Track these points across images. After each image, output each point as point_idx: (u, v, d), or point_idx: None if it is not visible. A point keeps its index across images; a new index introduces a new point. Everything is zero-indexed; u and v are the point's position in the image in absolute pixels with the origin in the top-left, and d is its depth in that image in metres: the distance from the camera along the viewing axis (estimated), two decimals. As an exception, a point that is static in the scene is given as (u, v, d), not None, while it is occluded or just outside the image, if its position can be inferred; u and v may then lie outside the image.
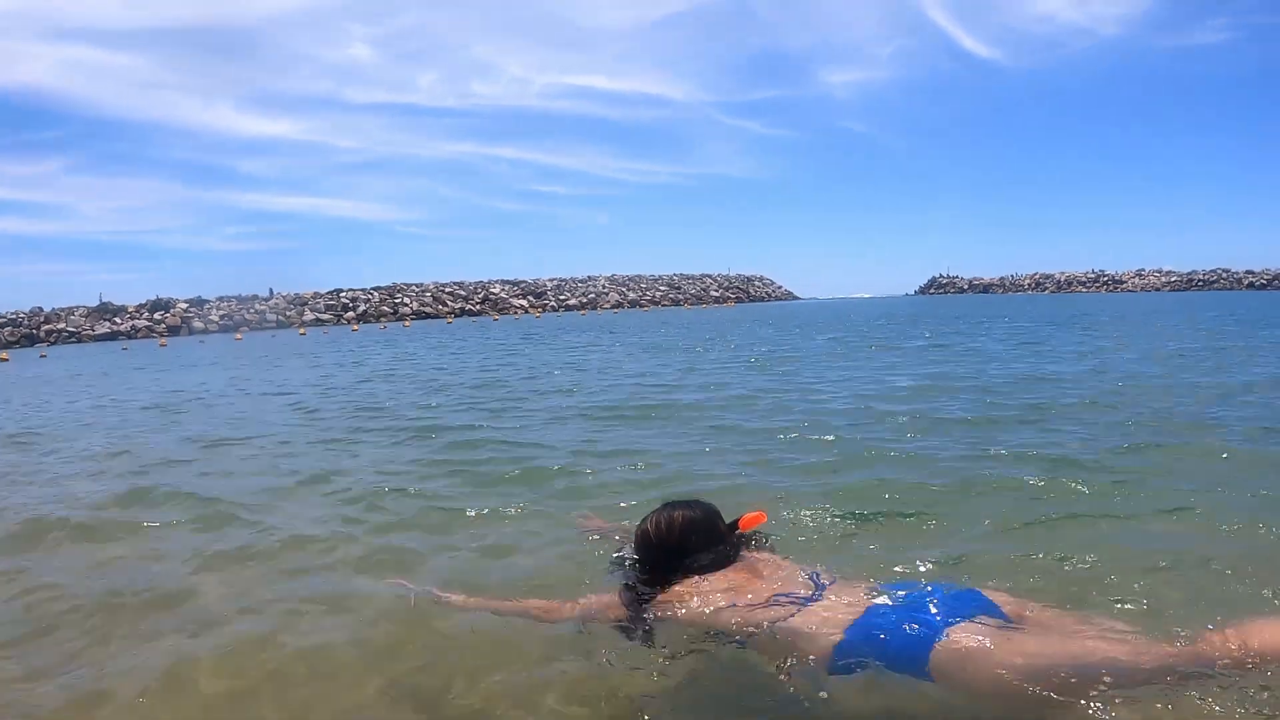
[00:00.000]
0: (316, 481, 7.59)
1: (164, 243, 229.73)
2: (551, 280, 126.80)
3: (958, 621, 2.78)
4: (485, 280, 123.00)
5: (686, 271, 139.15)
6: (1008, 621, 2.86)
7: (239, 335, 78.26)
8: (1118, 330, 26.21)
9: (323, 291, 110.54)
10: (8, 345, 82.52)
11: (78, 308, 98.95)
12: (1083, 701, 2.50)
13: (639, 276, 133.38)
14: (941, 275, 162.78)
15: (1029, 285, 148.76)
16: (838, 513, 5.43)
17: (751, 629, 3.11)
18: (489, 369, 19.79)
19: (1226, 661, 2.47)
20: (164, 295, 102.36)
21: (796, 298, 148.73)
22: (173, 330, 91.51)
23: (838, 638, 2.90)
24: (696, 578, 3.44)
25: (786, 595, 3.17)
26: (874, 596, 3.07)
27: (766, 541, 3.84)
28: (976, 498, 5.88)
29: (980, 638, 2.71)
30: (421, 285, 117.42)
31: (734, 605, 3.22)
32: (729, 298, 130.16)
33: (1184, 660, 2.54)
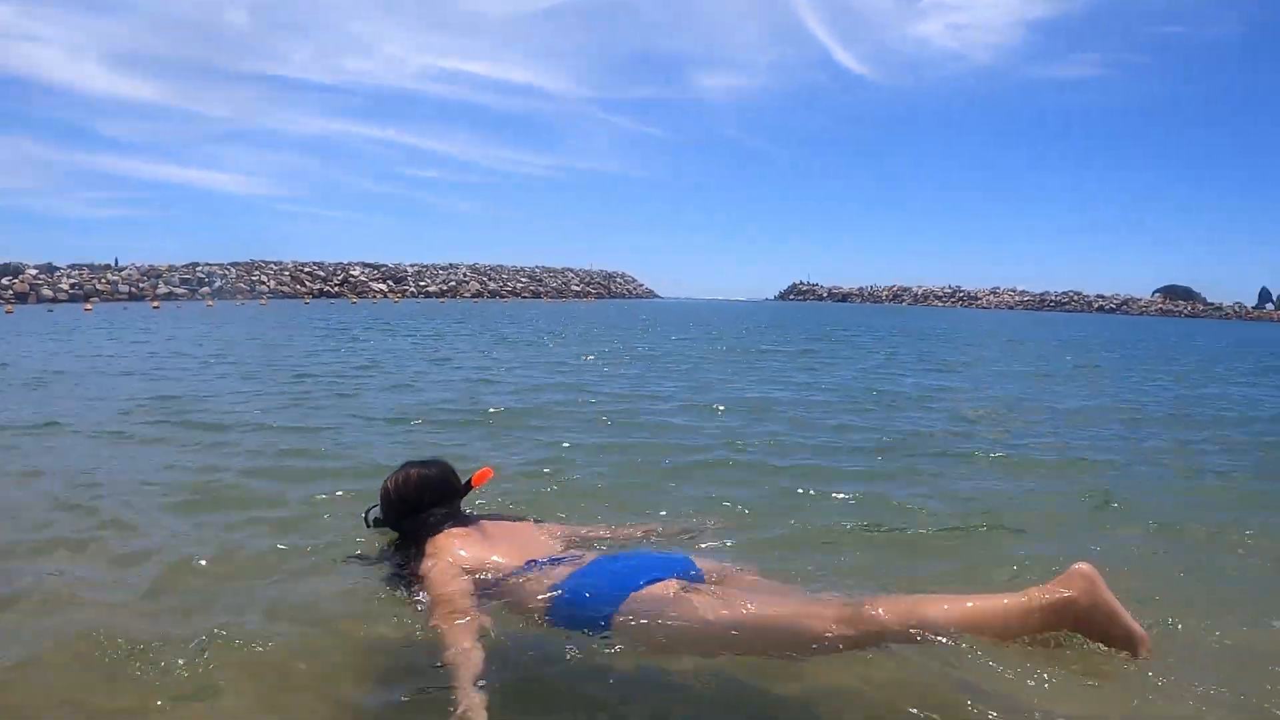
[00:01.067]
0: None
1: (17, 205, 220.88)
2: (413, 265, 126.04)
3: (647, 580, 3.17)
4: (345, 262, 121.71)
5: (549, 265, 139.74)
6: (700, 584, 3.25)
7: (89, 306, 77.05)
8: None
9: (179, 264, 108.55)
10: None
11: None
12: (766, 658, 2.93)
13: (501, 267, 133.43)
14: (802, 282, 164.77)
15: (887, 297, 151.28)
16: (602, 485, 6.14)
17: (487, 581, 3.49)
18: (318, 357, 18.96)
19: (899, 631, 2.82)
20: (13, 260, 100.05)
21: (658, 296, 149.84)
22: (20, 297, 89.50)
23: (554, 594, 3.27)
24: (434, 540, 3.74)
25: (516, 556, 3.60)
26: (586, 560, 3.51)
27: (504, 505, 4.45)
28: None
29: (661, 594, 3.09)
30: (280, 264, 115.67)
31: (470, 562, 3.57)
32: (590, 293, 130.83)
33: (861, 627, 2.85)
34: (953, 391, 13.78)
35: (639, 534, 4.47)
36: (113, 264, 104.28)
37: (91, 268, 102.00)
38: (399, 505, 4.07)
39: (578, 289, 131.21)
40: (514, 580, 3.46)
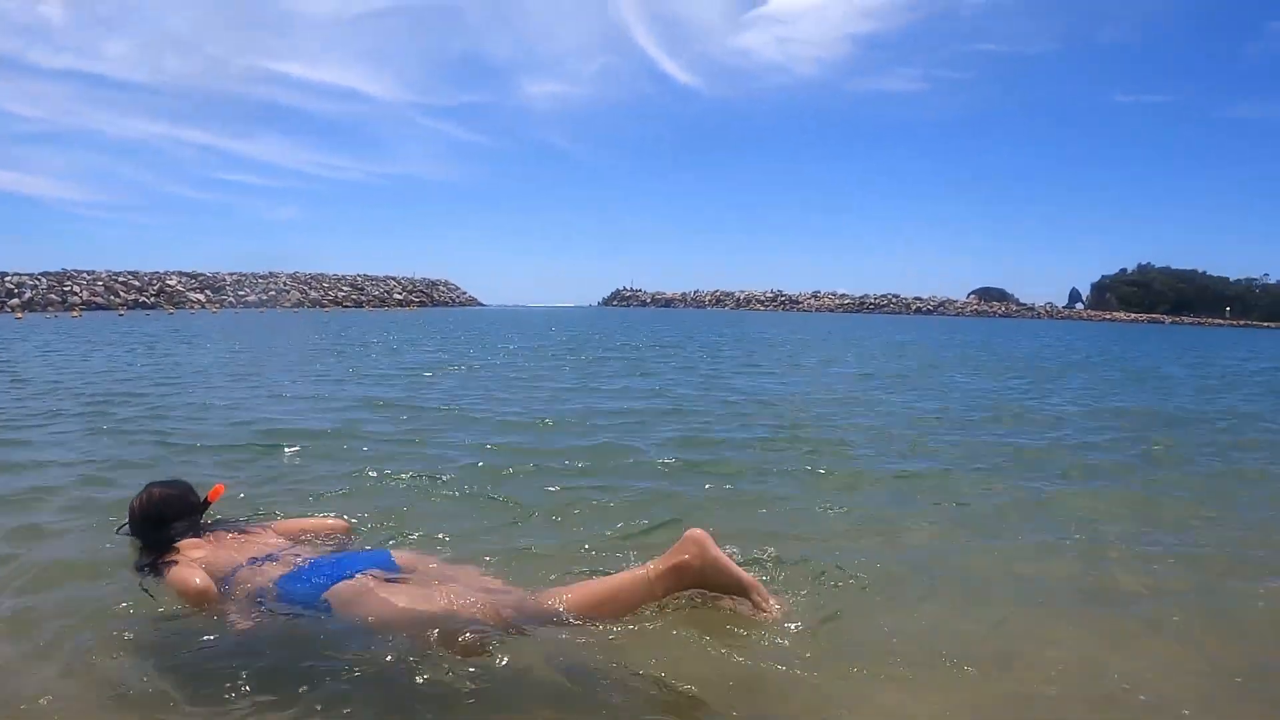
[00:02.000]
0: None
1: None
2: (231, 275, 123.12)
3: (350, 574, 3.71)
4: (161, 271, 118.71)
5: (371, 273, 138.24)
6: (395, 573, 3.81)
7: None
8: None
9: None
10: None
11: None
12: (443, 634, 3.37)
13: (322, 275, 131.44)
14: (625, 288, 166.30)
15: (710, 302, 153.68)
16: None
17: (231, 586, 3.91)
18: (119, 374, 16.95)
19: (533, 619, 3.46)
20: None
21: (482, 304, 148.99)
22: None
23: (268, 586, 3.80)
24: (179, 544, 4.23)
25: (253, 559, 4.05)
26: (304, 557, 4.06)
27: (242, 519, 4.90)
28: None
29: (362, 585, 3.63)
30: (94, 273, 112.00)
31: (206, 564, 4.04)
32: (412, 301, 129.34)
33: (521, 613, 3.50)
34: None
35: (328, 524, 4.98)
36: None
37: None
38: (143, 522, 4.50)
39: (400, 297, 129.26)
40: (242, 573, 3.94)
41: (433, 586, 3.71)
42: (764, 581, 3.85)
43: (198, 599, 3.89)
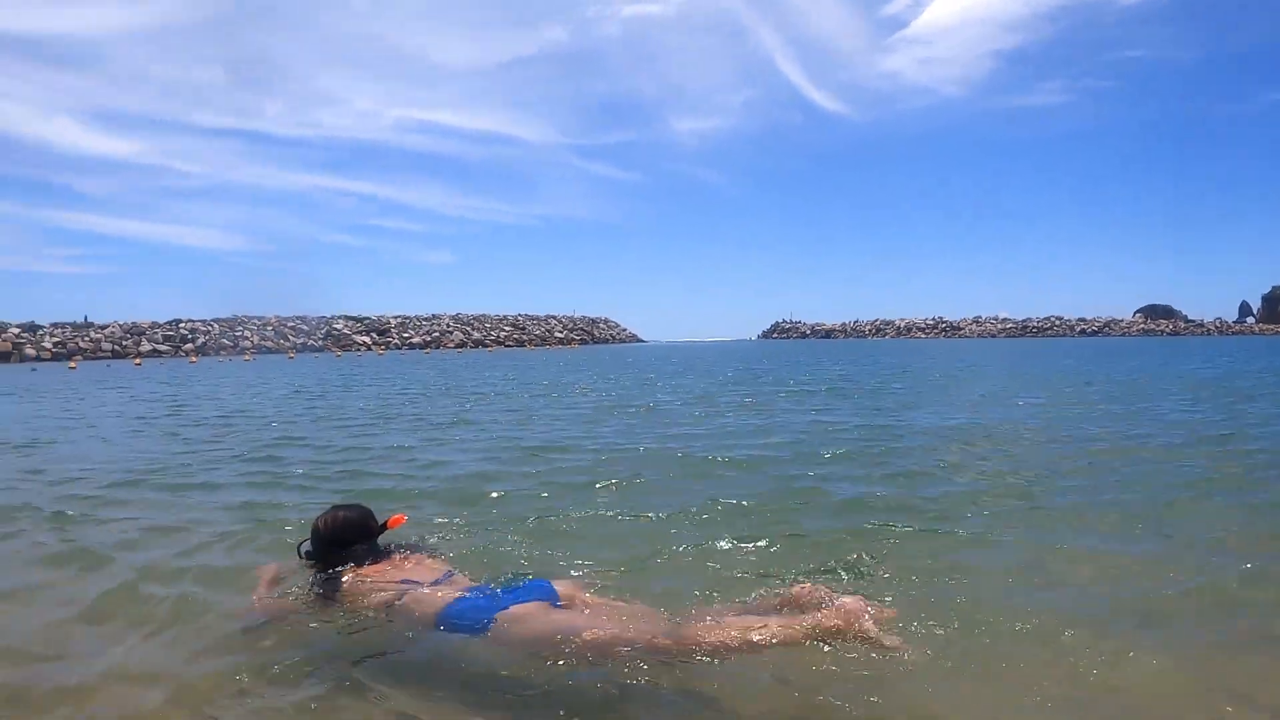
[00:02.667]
0: None
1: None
2: (396, 317, 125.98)
3: (516, 602, 3.93)
4: (328, 315, 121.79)
5: (531, 312, 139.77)
6: (556, 605, 4.03)
7: (73, 364, 77.15)
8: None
9: (160, 321, 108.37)
10: None
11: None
12: (603, 659, 3.64)
13: (484, 316, 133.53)
14: (785, 320, 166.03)
15: (870, 331, 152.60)
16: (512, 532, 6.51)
17: (390, 601, 4.23)
18: (288, 417, 17.46)
19: (704, 648, 3.55)
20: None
21: (642, 340, 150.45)
22: (3, 356, 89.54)
23: (439, 608, 4.04)
24: (354, 566, 4.52)
25: (414, 581, 4.30)
26: (469, 584, 4.34)
27: (414, 540, 5.34)
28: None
29: (527, 612, 3.87)
30: (263, 318, 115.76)
31: (380, 586, 4.32)
32: (574, 339, 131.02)
33: (671, 639, 3.62)
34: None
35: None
36: (82, 320, 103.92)
37: (74, 326, 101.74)
38: (327, 541, 4.67)
39: (561, 336, 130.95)
40: (412, 595, 4.18)
41: (589, 614, 3.95)
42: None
43: (368, 608, 4.26)
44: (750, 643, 3.55)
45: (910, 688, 3.64)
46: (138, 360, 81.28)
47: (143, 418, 17.73)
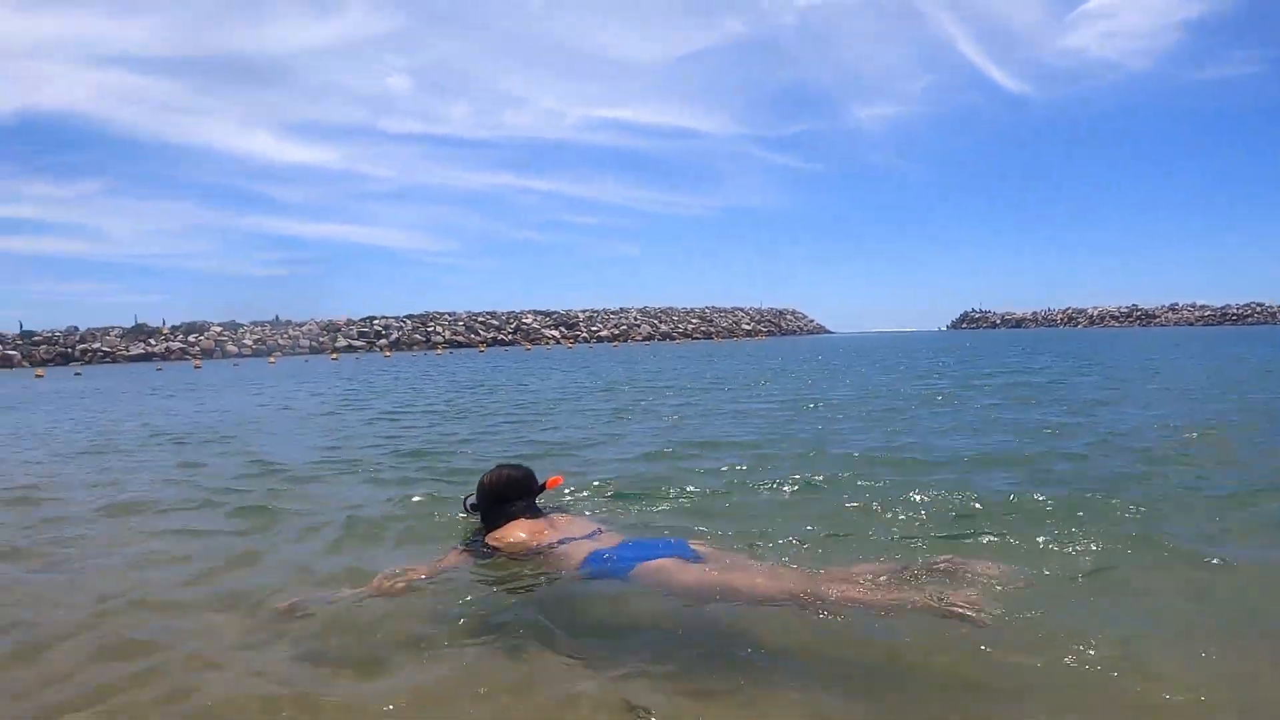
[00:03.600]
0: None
1: (196, 266, 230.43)
2: (584, 311, 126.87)
3: (655, 557, 4.28)
4: (518, 310, 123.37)
5: (718, 304, 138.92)
6: (692, 559, 4.30)
7: (273, 360, 78.72)
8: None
9: (355, 318, 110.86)
10: (44, 363, 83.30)
11: (113, 328, 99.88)
12: (736, 608, 3.90)
13: (671, 309, 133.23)
14: (974, 310, 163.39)
15: (1061, 320, 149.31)
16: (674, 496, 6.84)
17: (541, 553, 4.70)
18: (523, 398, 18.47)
19: (825, 599, 3.77)
20: (197, 319, 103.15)
21: (829, 331, 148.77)
22: (206, 353, 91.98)
23: (586, 556, 4.48)
24: (513, 523, 4.95)
25: (566, 536, 4.75)
26: (615, 540, 4.69)
27: (566, 500, 6.07)
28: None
29: (663, 565, 4.20)
30: (454, 314, 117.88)
31: (529, 543, 4.78)
32: (761, 331, 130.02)
33: (802, 593, 3.82)
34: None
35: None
36: (274, 319, 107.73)
37: (272, 324, 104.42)
38: (491, 496, 5.15)
39: (748, 328, 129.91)
40: (564, 546, 4.67)
41: (719, 569, 4.21)
42: None
43: (524, 552, 4.76)
44: (870, 601, 3.78)
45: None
46: (334, 355, 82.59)
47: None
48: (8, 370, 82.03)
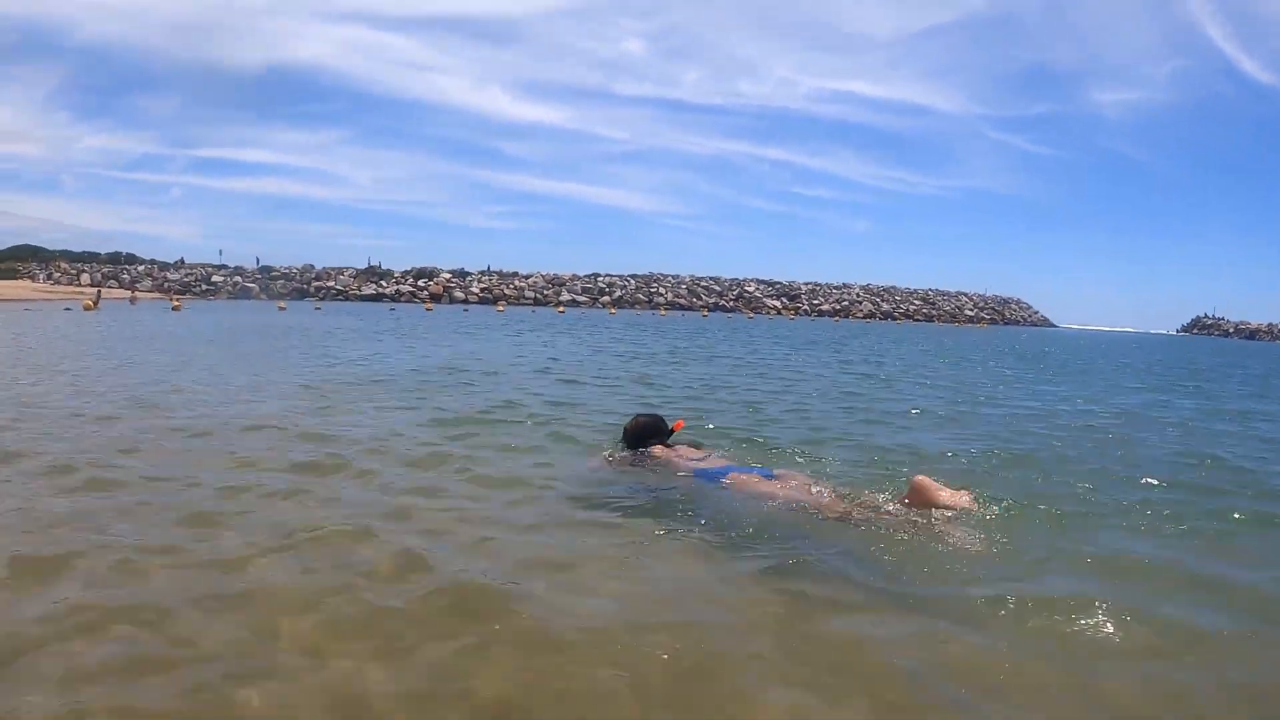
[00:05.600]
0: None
1: (428, 215, 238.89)
2: (806, 284, 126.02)
3: (743, 473, 5.94)
4: (740, 278, 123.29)
5: (941, 287, 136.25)
6: (769, 477, 5.83)
7: (500, 307, 79.95)
8: None
9: (581, 274, 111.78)
10: (281, 296, 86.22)
11: (347, 268, 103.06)
12: (789, 510, 5.31)
13: (894, 288, 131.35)
14: (1206, 315, 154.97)
15: None
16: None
17: (670, 467, 6.40)
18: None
19: (884, 511, 5.18)
20: (427, 264, 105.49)
21: (1053, 325, 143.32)
22: (434, 298, 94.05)
23: (696, 468, 6.24)
24: (653, 449, 6.68)
25: (687, 459, 6.49)
26: (717, 462, 6.43)
27: (691, 439, 7.17)
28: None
29: (746, 477, 5.85)
30: (678, 277, 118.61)
31: (666, 460, 6.50)
32: (983, 319, 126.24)
33: (840, 510, 5.24)
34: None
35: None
36: (499, 271, 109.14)
37: (501, 274, 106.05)
38: (633, 435, 6.92)
39: (970, 314, 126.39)
40: (683, 463, 6.39)
41: (788, 486, 5.65)
42: None
43: (660, 468, 6.42)
44: (872, 514, 5.16)
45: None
46: (560, 308, 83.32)
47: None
48: (248, 300, 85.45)
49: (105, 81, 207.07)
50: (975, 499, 5.31)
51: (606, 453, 7.00)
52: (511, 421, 8.91)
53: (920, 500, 5.16)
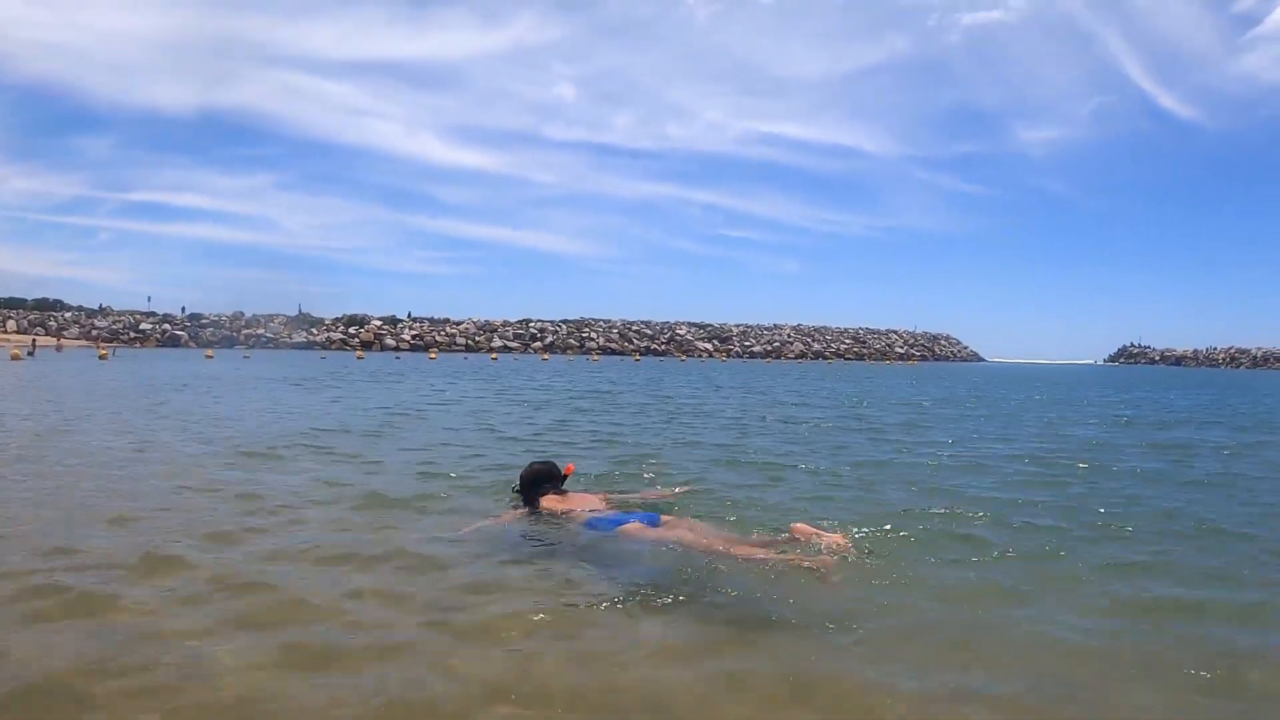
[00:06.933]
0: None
1: (360, 261, 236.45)
2: (738, 326, 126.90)
3: (631, 522, 6.04)
4: (672, 321, 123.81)
5: (872, 326, 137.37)
6: (655, 525, 6.01)
7: (433, 355, 79.95)
8: None
9: (512, 320, 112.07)
10: (210, 344, 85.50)
11: (278, 315, 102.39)
12: (682, 554, 5.59)
13: (824, 328, 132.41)
14: (1133, 345, 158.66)
15: (1223, 360, 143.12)
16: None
17: (560, 517, 6.54)
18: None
19: (776, 549, 5.46)
20: (359, 311, 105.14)
21: (982, 359, 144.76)
22: (366, 345, 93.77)
23: (587, 519, 6.37)
24: (546, 498, 6.82)
25: (579, 507, 6.64)
26: (608, 511, 6.55)
27: (579, 482, 7.64)
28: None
29: (634, 528, 5.96)
30: (609, 321, 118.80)
31: (555, 510, 6.64)
32: (913, 355, 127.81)
33: (760, 550, 5.44)
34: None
35: (638, 499, 7.56)
36: (430, 318, 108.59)
37: (432, 320, 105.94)
38: (528, 482, 7.11)
39: (901, 351, 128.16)
40: (575, 512, 6.60)
41: (674, 531, 5.91)
42: None
43: (551, 519, 6.63)
44: (758, 558, 5.37)
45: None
46: (493, 355, 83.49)
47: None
48: (175, 349, 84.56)
49: (37, 121, 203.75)
50: (849, 541, 5.62)
51: (485, 520, 6.82)
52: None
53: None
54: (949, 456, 11.12)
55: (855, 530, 6.27)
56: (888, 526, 6.66)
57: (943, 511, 7.36)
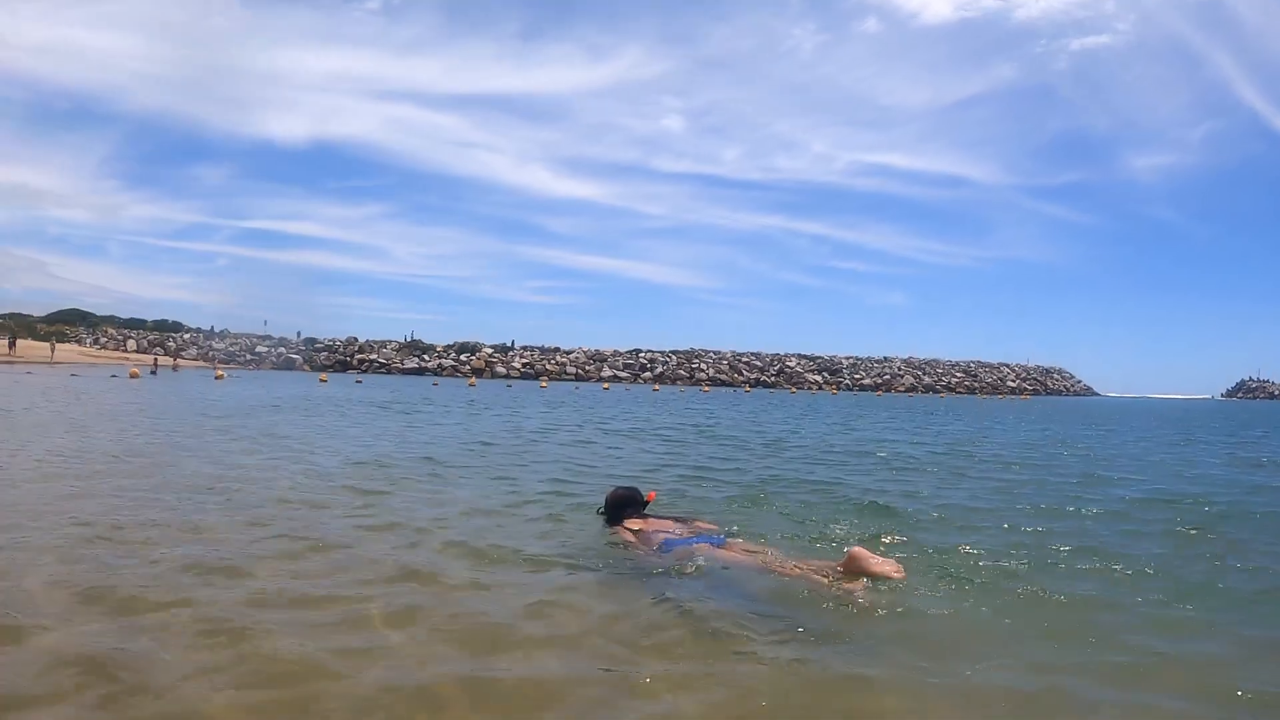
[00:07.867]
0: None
1: (470, 290, 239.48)
2: (848, 358, 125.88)
3: (698, 543, 6.56)
4: (782, 353, 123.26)
5: (983, 359, 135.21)
6: (718, 546, 6.54)
7: (543, 383, 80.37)
8: None
9: (622, 350, 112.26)
10: (324, 368, 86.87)
11: (390, 341, 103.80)
12: (738, 572, 6.13)
13: (935, 361, 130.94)
14: (1251, 379, 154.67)
15: None
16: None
17: (643, 541, 6.95)
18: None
19: (825, 576, 5.81)
20: (469, 339, 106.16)
21: (1095, 394, 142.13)
22: (477, 372, 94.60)
23: (662, 541, 6.74)
24: (627, 521, 7.38)
25: (657, 530, 7.04)
26: (683, 534, 6.96)
27: (657, 507, 8.05)
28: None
29: (699, 547, 6.49)
30: (719, 352, 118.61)
31: (639, 531, 7.13)
32: (1025, 389, 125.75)
33: (807, 575, 5.87)
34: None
35: (707, 525, 7.51)
36: (540, 346, 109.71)
37: (542, 349, 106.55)
38: (612, 505, 7.70)
39: (1013, 384, 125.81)
40: (654, 535, 6.93)
41: (734, 553, 6.48)
42: None
43: (632, 539, 7.07)
44: (812, 578, 5.82)
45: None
46: (606, 385, 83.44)
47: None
48: (289, 372, 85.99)
49: (154, 150, 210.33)
50: (900, 569, 5.95)
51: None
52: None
53: (853, 568, 5.82)
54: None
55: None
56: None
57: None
